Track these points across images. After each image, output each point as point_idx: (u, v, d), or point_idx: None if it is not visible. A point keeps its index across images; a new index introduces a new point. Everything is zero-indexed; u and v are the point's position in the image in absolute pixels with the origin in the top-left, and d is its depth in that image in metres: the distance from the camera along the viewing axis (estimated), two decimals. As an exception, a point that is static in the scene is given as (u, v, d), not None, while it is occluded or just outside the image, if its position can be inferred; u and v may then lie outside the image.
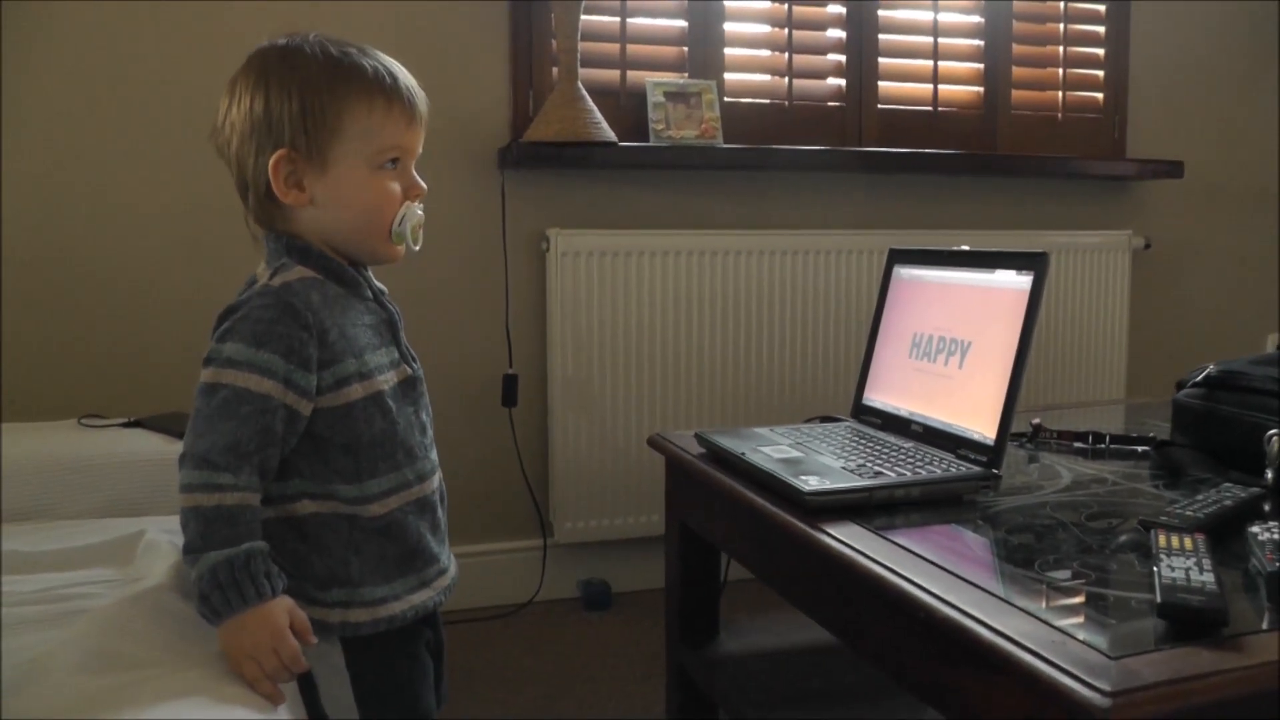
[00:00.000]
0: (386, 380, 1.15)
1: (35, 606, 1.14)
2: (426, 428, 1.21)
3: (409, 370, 1.19)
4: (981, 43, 2.78)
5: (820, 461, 1.36)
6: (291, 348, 1.06)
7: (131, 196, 2.18)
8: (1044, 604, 0.95)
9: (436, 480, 1.22)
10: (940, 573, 1.03)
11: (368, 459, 1.13)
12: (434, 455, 1.22)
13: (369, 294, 1.19)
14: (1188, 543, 1.00)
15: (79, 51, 2.13)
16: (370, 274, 1.21)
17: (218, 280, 2.09)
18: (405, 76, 1.17)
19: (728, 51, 2.57)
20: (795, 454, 1.41)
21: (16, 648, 1.00)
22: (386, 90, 1.14)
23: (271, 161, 1.10)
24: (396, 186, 1.16)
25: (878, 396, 1.61)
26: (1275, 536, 1.04)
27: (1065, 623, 0.90)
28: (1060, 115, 2.87)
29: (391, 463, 1.14)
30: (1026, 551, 1.10)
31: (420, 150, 1.19)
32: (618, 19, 2.47)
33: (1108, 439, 1.56)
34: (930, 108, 2.75)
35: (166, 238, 2.19)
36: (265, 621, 1.00)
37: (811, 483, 1.25)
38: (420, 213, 1.18)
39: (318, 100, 1.10)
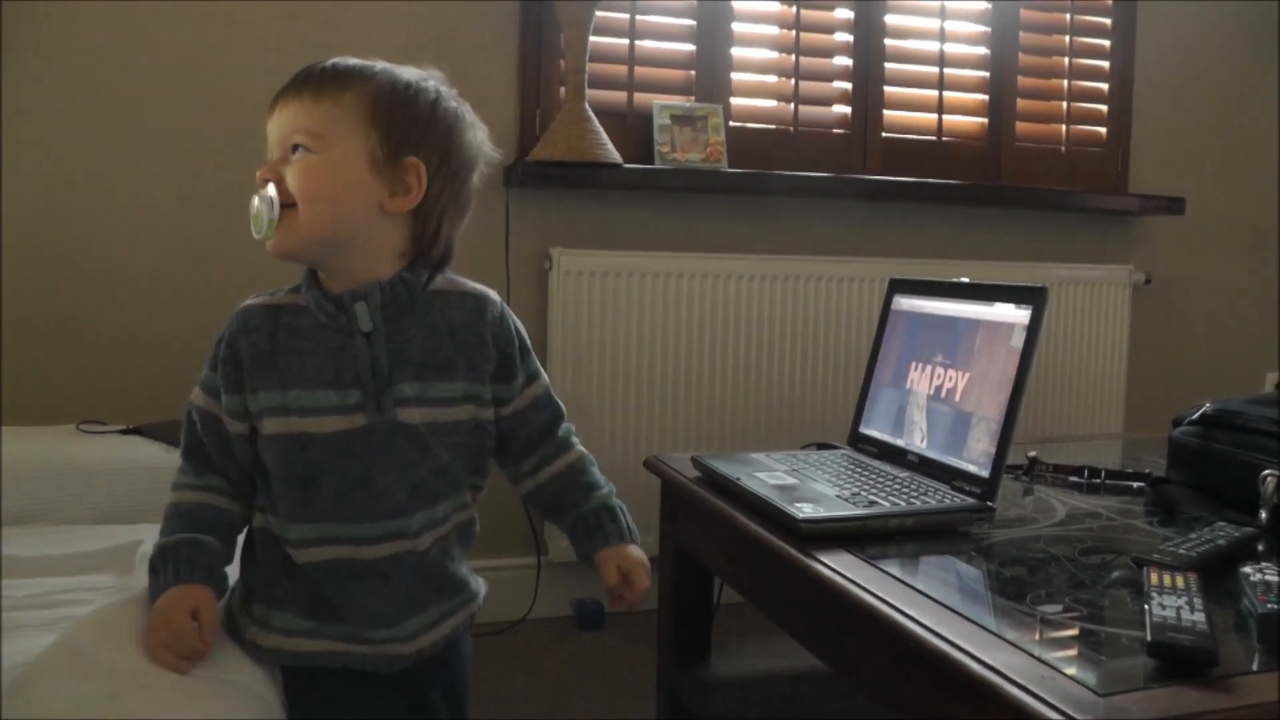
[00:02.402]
0: (321, 424, 1.05)
1: (30, 612, 1.15)
2: (392, 490, 1.07)
3: (366, 419, 1.06)
4: (987, 74, 2.79)
5: (815, 489, 1.37)
6: (215, 364, 1.10)
7: (133, 201, 2.18)
8: (1034, 638, 0.95)
9: (392, 549, 1.08)
10: (931, 604, 1.03)
11: (286, 500, 1.07)
12: (402, 522, 1.08)
13: (341, 321, 1.08)
14: (1180, 581, 1.01)
15: (79, 52, 2.14)
16: (365, 307, 1.08)
17: (220, 287, 2.10)
18: (306, 69, 1.09)
19: (734, 76, 2.58)
20: (790, 481, 1.41)
21: (11, 652, 1.00)
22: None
23: None
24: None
25: (875, 425, 1.62)
26: (1267, 577, 1.04)
27: (1055, 658, 0.90)
28: (1064, 148, 2.88)
29: (314, 512, 1.07)
30: (1019, 585, 1.10)
31: (291, 126, 1.07)
32: (626, 41, 2.49)
33: (1103, 474, 1.57)
34: (935, 137, 2.76)
35: (168, 243, 2.20)
36: (170, 600, 1.02)
37: (806, 510, 1.26)
38: (257, 200, 1.06)
39: None
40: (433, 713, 1.15)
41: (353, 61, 1.10)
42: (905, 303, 1.63)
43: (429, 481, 1.10)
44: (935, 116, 2.76)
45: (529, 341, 1.21)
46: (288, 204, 1.05)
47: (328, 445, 1.06)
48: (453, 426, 1.12)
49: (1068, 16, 2.86)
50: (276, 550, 1.09)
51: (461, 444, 1.13)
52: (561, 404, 1.24)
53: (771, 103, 2.65)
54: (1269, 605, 0.97)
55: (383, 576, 1.08)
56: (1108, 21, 2.90)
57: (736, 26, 2.57)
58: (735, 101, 2.58)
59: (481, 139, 1.19)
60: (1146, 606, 0.94)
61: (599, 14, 2.33)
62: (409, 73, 1.13)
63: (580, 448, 1.26)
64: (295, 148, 1.06)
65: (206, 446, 1.10)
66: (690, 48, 2.55)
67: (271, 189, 1.05)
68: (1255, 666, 0.90)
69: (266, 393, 1.06)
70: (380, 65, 1.12)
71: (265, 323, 1.09)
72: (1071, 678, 0.86)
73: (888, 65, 2.70)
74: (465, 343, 1.13)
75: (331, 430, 1.06)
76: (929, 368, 1.53)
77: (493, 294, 1.19)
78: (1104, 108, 2.92)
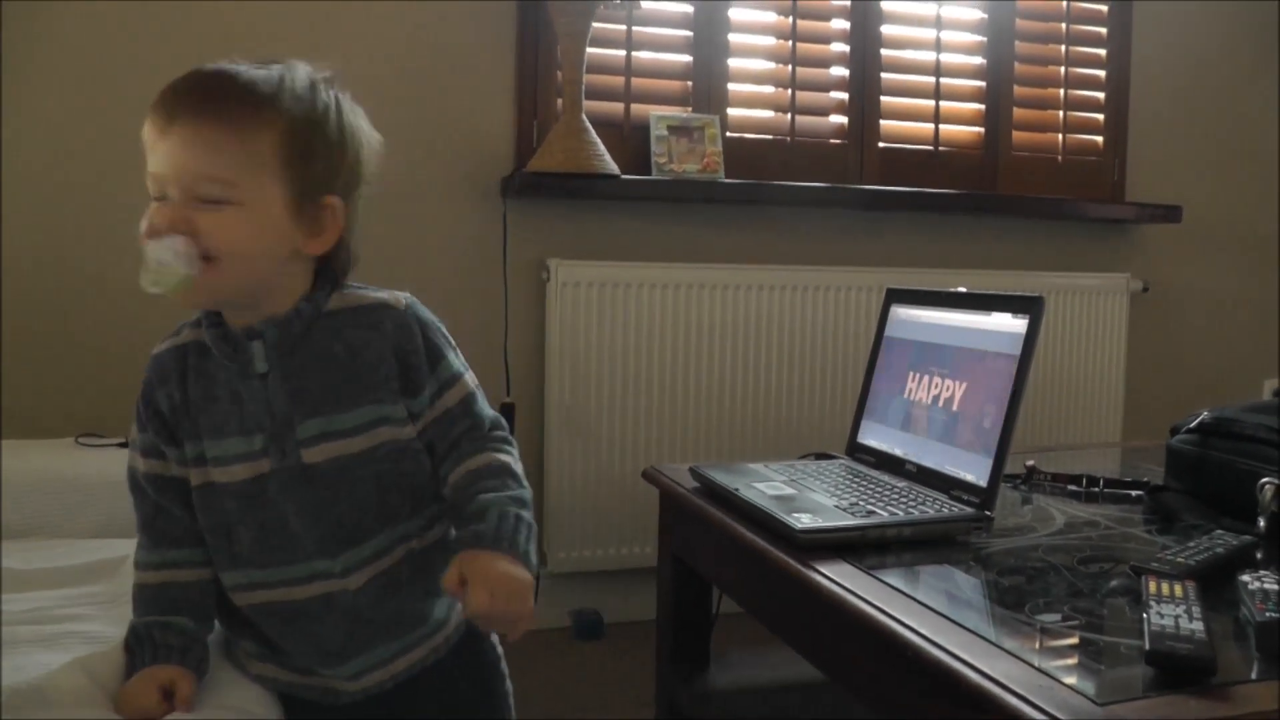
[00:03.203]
0: (227, 474, 1.03)
1: (28, 627, 1.14)
2: (309, 532, 1.03)
3: (270, 465, 1.02)
4: (983, 84, 2.80)
5: (813, 499, 1.37)
6: (143, 422, 1.06)
7: (132, 211, 2.16)
8: (1033, 647, 0.95)
9: (322, 589, 1.04)
10: (930, 614, 1.03)
11: (213, 549, 1.06)
12: (324, 563, 1.03)
13: (257, 368, 1.03)
14: (1178, 590, 1.01)
15: (79, 55, 2.14)
16: (261, 347, 1.03)
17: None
18: (199, 76, 0.98)
19: (731, 87, 2.59)
20: (788, 491, 1.41)
21: (10, 668, 1.00)
22: (157, 105, 0.97)
23: None
24: (148, 218, 0.98)
25: (873, 435, 1.62)
26: (1265, 585, 1.04)
27: (1054, 667, 0.90)
28: (1060, 157, 2.89)
29: (237, 560, 1.05)
30: (1017, 594, 1.10)
31: (198, 170, 0.96)
32: (623, 52, 2.49)
33: (1102, 482, 1.56)
34: (931, 147, 2.77)
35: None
36: (144, 676, 1.01)
37: (804, 520, 1.26)
38: (163, 253, 0.95)
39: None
40: None
41: (255, 77, 0.99)
42: (902, 312, 1.63)
43: (354, 517, 1.04)
44: (932, 126, 2.76)
45: (444, 345, 1.09)
46: (205, 257, 0.96)
47: (238, 494, 1.03)
48: (369, 455, 1.03)
49: (1063, 26, 2.87)
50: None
51: (387, 471, 1.05)
52: (488, 415, 1.10)
53: (768, 113, 2.65)
54: (1267, 613, 0.97)
55: (315, 617, 1.04)
56: (1103, 30, 2.90)
57: (733, 37, 2.58)
58: (732, 112, 2.59)
59: (374, 134, 1.09)
60: (1145, 615, 0.94)
61: (596, 25, 2.34)
62: (303, 78, 1.02)
63: (497, 453, 1.08)
64: (207, 198, 0.96)
65: (166, 514, 1.06)
66: (687, 59, 2.55)
67: (185, 243, 0.95)
68: (1254, 675, 0.90)
69: (190, 443, 1.04)
70: (278, 74, 1.01)
71: (176, 368, 1.05)
72: (1070, 687, 0.85)
73: (884, 75, 2.70)
74: (366, 363, 1.04)
75: (240, 479, 1.02)
76: (926, 377, 1.53)
77: (398, 300, 1.08)
78: (1100, 116, 2.92)
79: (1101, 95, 2.92)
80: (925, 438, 1.48)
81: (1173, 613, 0.94)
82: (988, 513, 1.31)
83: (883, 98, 2.71)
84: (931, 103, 2.76)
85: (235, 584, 1.06)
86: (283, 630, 1.06)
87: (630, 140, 2.49)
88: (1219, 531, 1.26)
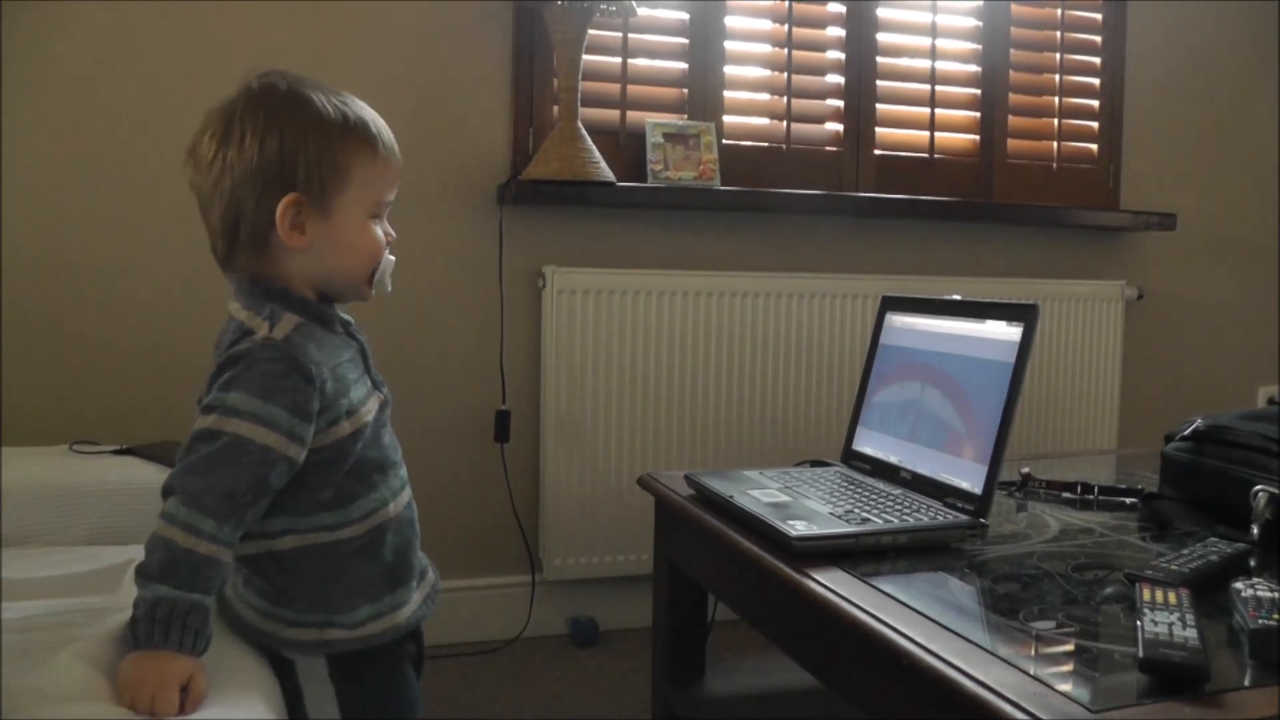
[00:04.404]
0: (368, 411, 1.18)
1: (21, 635, 1.14)
2: (397, 446, 1.26)
3: (381, 395, 1.24)
4: (978, 91, 2.81)
5: (808, 506, 1.37)
6: (297, 403, 1.08)
7: (130, 223, 2.18)
8: (1027, 654, 0.96)
9: (408, 494, 1.26)
10: (924, 621, 1.03)
11: (348, 486, 1.16)
12: (404, 469, 1.26)
13: (339, 328, 1.22)
14: (1172, 597, 1.01)
15: (79, 61, 2.14)
16: (337, 307, 1.24)
17: (214, 309, 2.08)
18: (389, 131, 1.21)
19: (727, 94, 2.59)
20: (783, 498, 1.41)
21: (8, 677, 1.00)
22: (385, 145, 1.19)
23: (282, 204, 1.11)
24: (382, 234, 1.21)
25: (868, 442, 1.62)
26: (1259, 593, 1.04)
27: (1048, 674, 0.90)
28: (1055, 165, 2.89)
29: (368, 484, 1.18)
30: (1011, 601, 1.10)
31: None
32: (619, 59, 2.49)
33: (1096, 490, 1.57)
34: (927, 154, 2.77)
35: (163, 264, 2.20)
36: (165, 669, 0.99)
37: (799, 527, 1.26)
38: (393, 259, 1.24)
39: (330, 148, 1.13)
40: (421, 648, 1.30)
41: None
42: (897, 320, 1.64)
43: None
44: (927, 133, 2.77)
45: None
46: None
47: (370, 427, 1.18)
48: None
49: (1058, 34, 2.88)
50: (318, 561, 1.15)
51: None
52: None
53: (764, 120, 2.66)
54: (1260, 620, 0.98)
55: (410, 521, 1.24)
56: (1098, 38, 2.91)
57: (729, 44, 2.58)
58: (728, 119, 2.59)
59: None
60: (1139, 622, 0.94)
61: (591, 32, 2.34)
62: None
63: None
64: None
65: (256, 489, 1.07)
66: (683, 65, 2.56)
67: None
68: (1247, 682, 0.90)
69: (337, 404, 1.14)
70: None
71: (315, 345, 1.14)
72: (1064, 694, 0.86)
73: (880, 83, 2.71)
74: None
75: (371, 413, 1.19)
76: (921, 385, 1.53)
77: None
78: (1095, 124, 2.93)
79: (1096, 103, 2.92)
80: (920, 445, 1.49)
81: (1167, 620, 0.94)
82: (982, 520, 1.31)
83: (878, 105, 2.71)
84: (927, 110, 2.76)
85: (371, 509, 1.17)
86: (400, 538, 1.21)
87: (626, 147, 2.49)
88: (1213, 539, 1.26)
